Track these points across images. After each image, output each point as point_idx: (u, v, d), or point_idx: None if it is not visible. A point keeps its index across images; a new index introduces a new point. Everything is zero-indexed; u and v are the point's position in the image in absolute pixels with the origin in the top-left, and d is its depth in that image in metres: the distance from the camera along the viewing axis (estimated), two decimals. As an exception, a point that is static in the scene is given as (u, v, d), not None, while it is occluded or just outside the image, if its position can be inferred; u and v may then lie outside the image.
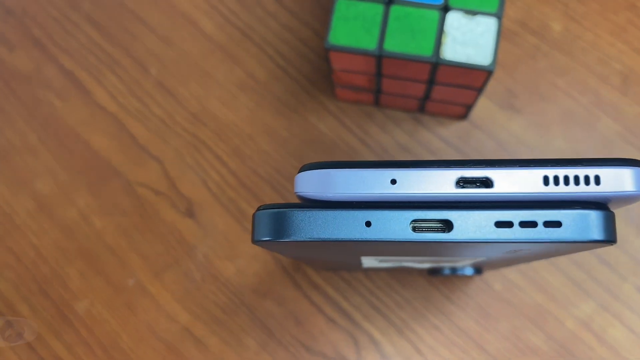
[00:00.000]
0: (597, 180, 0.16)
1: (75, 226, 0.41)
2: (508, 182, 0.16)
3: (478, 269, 0.33)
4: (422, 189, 0.16)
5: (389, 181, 0.17)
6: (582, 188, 0.16)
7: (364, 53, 0.32)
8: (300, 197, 0.18)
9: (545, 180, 0.17)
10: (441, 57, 0.31)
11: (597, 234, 0.16)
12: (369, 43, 0.32)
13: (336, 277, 0.39)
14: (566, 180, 0.16)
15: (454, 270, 0.33)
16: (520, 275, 0.38)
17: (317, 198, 0.17)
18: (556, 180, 0.17)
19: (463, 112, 0.38)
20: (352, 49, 0.32)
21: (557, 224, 0.16)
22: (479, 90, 0.34)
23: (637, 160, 0.17)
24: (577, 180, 0.16)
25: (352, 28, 0.32)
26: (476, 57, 0.31)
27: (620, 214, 0.38)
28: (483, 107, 0.40)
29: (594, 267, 0.37)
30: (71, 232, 0.41)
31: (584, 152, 0.39)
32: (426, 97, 0.37)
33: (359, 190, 0.17)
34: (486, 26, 0.31)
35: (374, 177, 0.17)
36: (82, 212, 0.41)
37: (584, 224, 0.16)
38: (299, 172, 0.18)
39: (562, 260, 0.38)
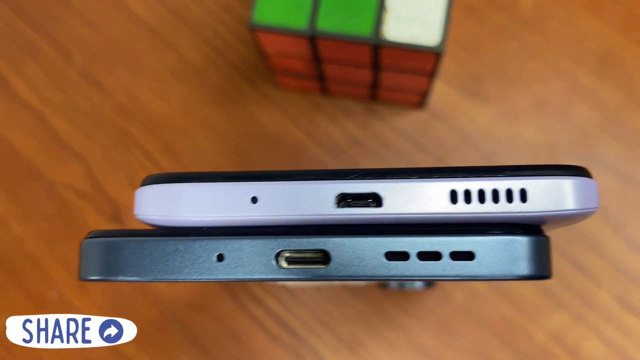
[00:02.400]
0: (523, 195, 0.12)
1: (-9, 233, 0.36)
2: (403, 199, 0.12)
3: (429, 282, 0.29)
4: (292, 209, 0.12)
5: (249, 199, 0.12)
6: (502, 207, 0.12)
7: (294, 34, 0.27)
8: (143, 222, 0.14)
9: (453, 197, 0.12)
10: (382, 37, 0.27)
11: (522, 267, 0.12)
12: (300, 21, 0.27)
13: (279, 289, 0.35)
14: (481, 196, 0.12)
15: (401, 284, 0.29)
16: (484, 285, 0.34)
17: (161, 224, 0.13)
18: (467, 196, 0.12)
19: (418, 101, 0.34)
20: (281, 28, 0.27)
21: (468, 256, 0.12)
22: (431, 75, 0.29)
23: (577, 167, 0.12)
24: (495, 196, 0.12)
25: (280, 4, 0.28)
26: (422, 36, 0.27)
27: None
28: (443, 94, 0.35)
29: (567, 273, 0.33)
30: (-14, 240, 0.36)
31: (557, 143, 0.34)
32: (375, 84, 0.32)
33: (211, 213, 0.12)
34: (434, 1, 0.27)
35: (229, 194, 0.12)
36: (-2, 218, 0.36)
37: (504, 254, 0.12)
38: (140, 186, 0.14)
39: (532, 266, 0.33)
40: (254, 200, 0.12)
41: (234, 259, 0.12)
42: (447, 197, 0.12)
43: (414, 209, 0.12)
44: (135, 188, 0.35)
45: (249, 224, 0.13)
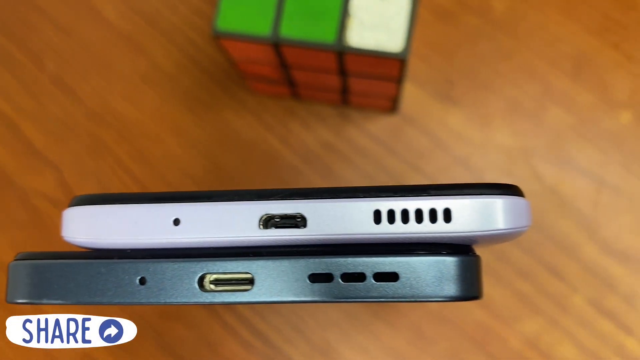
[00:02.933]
0: (447, 215, 0.12)
1: (-37, 243, 0.36)
2: (327, 220, 0.12)
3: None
4: (215, 231, 0.12)
5: (171, 222, 0.12)
6: (425, 227, 0.12)
7: (258, 40, 0.27)
8: (71, 243, 0.13)
9: (377, 217, 0.12)
10: (345, 43, 0.27)
11: (448, 288, 0.12)
12: (263, 28, 0.27)
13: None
14: (404, 216, 0.12)
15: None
16: (458, 289, 0.33)
17: (88, 246, 0.13)
18: (391, 216, 0.12)
19: (390, 106, 0.34)
20: (244, 35, 0.27)
21: (391, 277, 0.12)
22: (398, 80, 0.29)
23: (507, 185, 0.12)
24: (419, 216, 0.12)
25: (243, 10, 0.27)
26: (386, 42, 0.26)
27: (570, 216, 0.33)
28: (416, 98, 0.35)
29: (542, 278, 0.33)
30: (-41, 249, 0.36)
31: (531, 148, 0.34)
32: (345, 89, 0.32)
33: (134, 235, 0.12)
34: (398, 7, 0.27)
35: (151, 216, 0.12)
36: (-30, 227, 0.36)
37: (429, 275, 0.12)
38: (68, 206, 0.13)
39: (506, 270, 0.33)
40: (177, 222, 0.12)
41: (156, 282, 0.12)
42: (371, 217, 0.12)
43: (338, 229, 0.12)
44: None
45: (172, 246, 0.12)
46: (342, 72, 0.29)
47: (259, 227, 0.12)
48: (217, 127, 0.36)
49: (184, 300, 0.12)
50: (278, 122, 0.36)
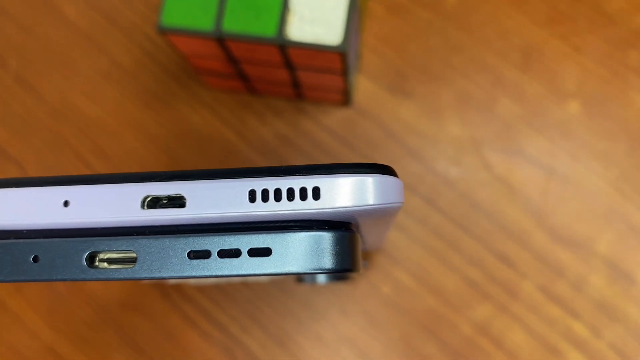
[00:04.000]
0: (316, 193, 0.12)
1: None
2: (205, 200, 0.13)
3: (339, 275, 0.30)
4: (101, 212, 0.13)
5: (61, 203, 0.13)
6: (296, 205, 0.12)
7: (202, 35, 0.28)
8: None
9: (252, 196, 0.13)
10: (286, 37, 0.27)
11: (322, 261, 0.12)
12: (206, 23, 0.28)
13: (210, 287, 0.35)
14: (277, 194, 0.13)
15: (312, 277, 0.29)
16: (411, 277, 0.34)
17: None
18: (265, 195, 0.13)
19: (342, 99, 0.34)
20: (188, 30, 0.28)
21: (265, 252, 0.12)
22: (342, 74, 0.30)
23: (378, 165, 0.13)
24: (291, 194, 0.12)
25: (187, 6, 0.28)
26: (325, 36, 0.27)
27: (519, 204, 0.34)
28: (369, 91, 0.36)
29: (491, 265, 0.34)
30: None
31: (482, 138, 0.35)
32: (295, 83, 0.33)
33: (27, 217, 0.13)
34: (336, 1, 0.27)
35: (41, 198, 0.13)
36: None
37: (300, 249, 0.12)
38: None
39: (456, 258, 0.34)
40: (66, 203, 0.13)
41: (48, 260, 0.13)
42: (246, 196, 0.13)
43: (216, 208, 0.13)
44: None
45: (63, 227, 0.13)
46: (288, 65, 0.30)
47: (142, 207, 0.13)
48: (175, 122, 0.37)
49: (72, 276, 0.13)
50: (234, 116, 0.37)
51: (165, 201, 0.13)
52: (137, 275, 0.13)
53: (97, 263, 0.13)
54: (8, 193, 0.13)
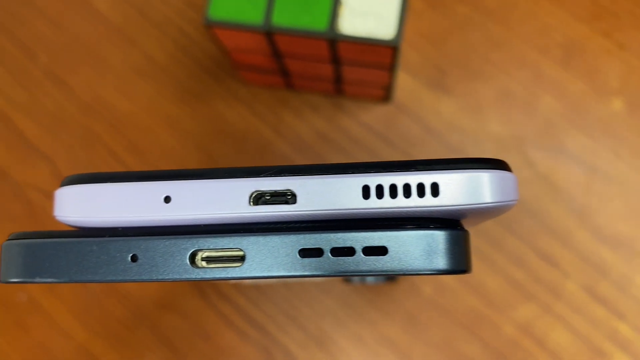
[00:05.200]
0: (435, 189, 0.12)
1: (-43, 236, 0.36)
2: (316, 196, 0.12)
3: (391, 277, 0.29)
4: (206, 208, 0.12)
5: (162, 199, 0.12)
6: (413, 201, 0.12)
7: (250, 29, 0.27)
8: (63, 223, 0.13)
9: (365, 192, 0.12)
10: (337, 31, 0.27)
11: (436, 262, 0.12)
12: (255, 16, 0.27)
13: (247, 286, 0.34)
14: (393, 191, 0.12)
15: (363, 278, 0.29)
16: (452, 277, 0.34)
17: (80, 224, 0.13)
18: (380, 191, 0.12)
19: (383, 95, 0.34)
20: (236, 24, 0.27)
21: (380, 251, 0.12)
22: (390, 68, 0.29)
23: (495, 160, 0.12)
24: (407, 190, 0.12)
25: (235, 0, 0.27)
26: (378, 30, 0.26)
27: (562, 203, 0.33)
28: (408, 87, 0.35)
29: (534, 264, 0.33)
30: (-48, 242, 0.36)
31: (523, 135, 0.34)
32: (338, 78, 0.32)
33: (125, 213, 0.12)
34: (389, -7, 0.27)
35: (141, 194, 0.12)
36: (-37, 220, 0.36)
37: (417, 249, 0.12)
38: (60, 187, 0.13)
39: (499, 258, 0.33)
40: (167, 199, 0.12)
41: (147, 259, 0.12)
42: (359, 192, 0.12)
43: (327, 205, 0.12)
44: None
45: (163, 223, 0.13)
46: (335, 60, 0.29)
47: (249, 203, 0.12)
48: (210, 118, 0.36)
49: (175, 276, 0.12)
50: (270, 112, 0.36)
51: (268, 197, 0.12)
52: (246, 274, 0.12)
53: (197, 262, 0.12)
54: (104, 188, 0.12)
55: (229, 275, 0.12)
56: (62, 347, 0.35)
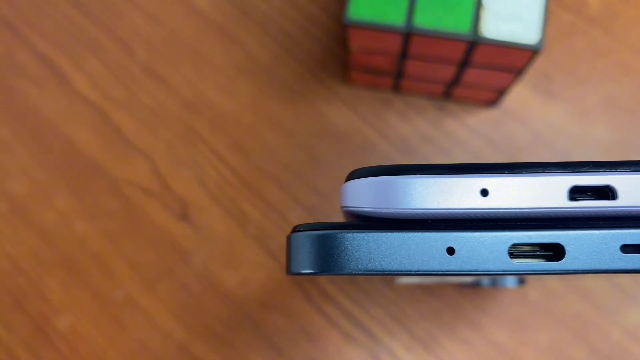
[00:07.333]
0: None
1: (55, 231, 0.36)
2: (638, 191, 0.12)
3: (522, 279, 0.29)
4: (524, 202, 0.12)
5: (479, 192, 0.12)
6: None
7: (390, 29, 0.27)
8: (350, 213, 0.13)
9: None
10: (481, 34, 0.27)
11: None
12: (397, 17, 0.27)
13: (353, 286, 0.34)
14: None
15: (494, 281, 0.29)
16: (559, 282, 0.34)
17: (378, 215, 0.13)
18: None
19: (494, 98, 0.34)
20: (376, 24, 0.27)
21: None
22: (519, 72, 0.29)
23: None
24: None
25: (375, 1, 0.27)
26: (521, 34, 0.27)
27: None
28: (515, 92, 0.35)
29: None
30: (50, 237, 0.36)
31: (630, 142, 0.35)
32: (455, 81, 0.32)
33: (437, 205, 0.12)
34: (533, -2, 0.27)
35: (457, 186, 0.12)
36: (62, 215, 0.36)
37: None
38: (347, 179, 0.13)
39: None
40: (484, 192, 0.12)
41: (466, 252, 0.12)
42: None
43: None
44: (204, 185, 0.35)
45: (476, 216, 0.13)
46: (464, 63, 0.29)
47: (568, 198, 0.12)
48: (312, 118, 0.36)
49: (494, 268, 0.12)
50: (373, 113, 0.36)
51: (589, 193, 0.13)
52: (565, 268, 0.12)
53: (513, 258, 0.12)
54: (415, 180, 0.12)
55: (549, 268, 0.12)
56: (161, 346, 0.34)
